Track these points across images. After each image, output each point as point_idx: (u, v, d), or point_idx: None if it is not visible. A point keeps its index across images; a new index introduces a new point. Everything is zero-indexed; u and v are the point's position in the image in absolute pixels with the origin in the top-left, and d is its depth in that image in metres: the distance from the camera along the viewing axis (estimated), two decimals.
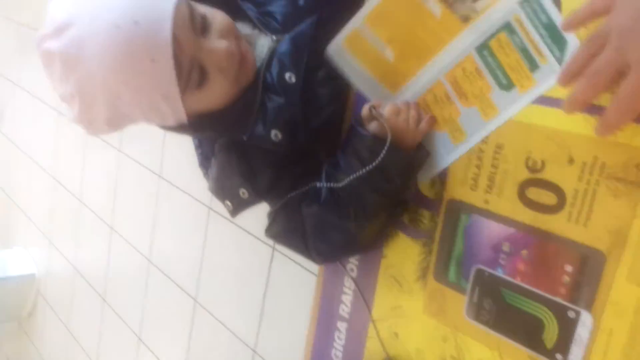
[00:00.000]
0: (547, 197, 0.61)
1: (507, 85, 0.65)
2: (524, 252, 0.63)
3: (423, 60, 0.71)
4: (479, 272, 0.67)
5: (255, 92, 0.71)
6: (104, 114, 0.67)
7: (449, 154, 0.70)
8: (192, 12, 0.66)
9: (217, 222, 1.95)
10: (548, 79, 0.61)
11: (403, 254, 0.75)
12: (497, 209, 0.65)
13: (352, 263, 0.81)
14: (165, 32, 0.62)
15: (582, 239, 0.58)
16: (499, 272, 0.65)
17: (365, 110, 0.71)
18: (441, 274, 0.71)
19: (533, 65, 0.62)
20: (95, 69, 0.62)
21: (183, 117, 0.69)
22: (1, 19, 3.20)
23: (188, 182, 2.09)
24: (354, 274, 0.81)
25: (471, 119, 0.68)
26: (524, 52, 0.63)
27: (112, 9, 0.61)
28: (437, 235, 0.71)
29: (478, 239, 0.67)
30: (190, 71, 0.66)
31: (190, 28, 0.65)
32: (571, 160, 0.59)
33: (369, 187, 0.69)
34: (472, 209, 0.67)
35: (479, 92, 0.67)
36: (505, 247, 0.64)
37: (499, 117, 0.66)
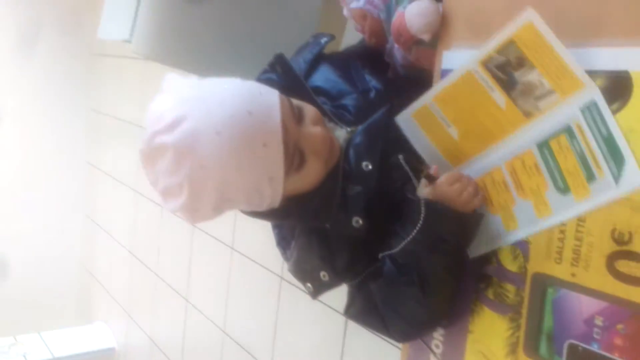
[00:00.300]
0: (639, 269, 0.60)
1: (563, 188, 0.67)
2: (620, 326, 0.61)
3: (485, 145, 0.74)
4: (573, 347, 0.65)
5: (335, 181, 0.76)
6: (211, 201, 0.71)
7: (501, 238, 0.73)
8: (290, 103, 0.73)
9: (289, 291, 1.98)
10: (603, 194, 0.63)
11: (490, 329, 0.74)
12: (586, 282, 0.64)
13: (437, 339, 0.81)
14: (275, 119, 0.68)
15: None
16: (594, 347, 0.63)
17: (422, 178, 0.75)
18: (532, 349, 0.69)
19: (590, 175, 0.64)
20: (210, 159, 0.66)
21: (278, 201, 0.74)
22: (90, 111, 3.48)
23: (260, 253, 2.14)
24: (439, 350, 0.81)
25: (525, 212, 0.71)
26: (583, 159, 0.65)
27: (224, 103, 0.67)
28: (525, 310, 0.70)
29: (568, 312, 0.66)
30: (294, 154, 0.71)
31: (291, 116, 0.72)
32: None
33: (424, 248, 0.72)
34: (559, 283, 0.67)
35: (536, 188, 0.69)
36: (599, 321, 0.63)
37: (551, 219, 0.68)
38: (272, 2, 1.32)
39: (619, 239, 0.61)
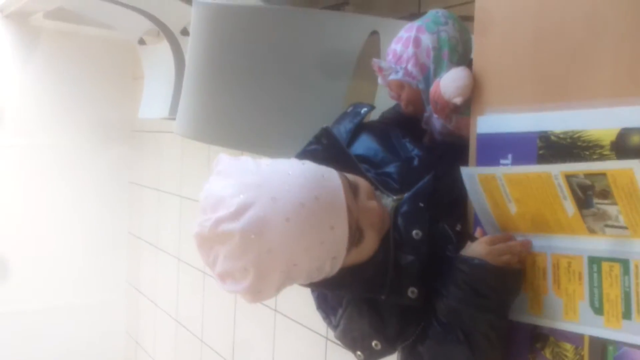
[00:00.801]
0: None
1: (598, 309, 0.69)
2: None
3: (539, 229, 0.76)
4: None
5: (387, 251, 0.77)
6: (275, 282, 0.72)
7: (522, 315, 0.76)
8: (347, 180, 0.76)
9: (335, 352, 1.96)
10: (631, 336, 0.65)
11: None
12: None
13: None
14: (341, 201, 0.71)
15: None
16: None
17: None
18: None
19: (627, 313, 0.66)
20: (278, 244, 0.68)
21: (334, 273, 0.76)
22: (130, 184, 3.62)
23: (303, 315, 2.14)
24: None
25: (553, 306, 0.73)
26: (627, 296, 0.66)
27: (292, 190, 0.69)
28: None
29: None
30: (355, 232, 0.74)
31: (351, 194, 0.74)
32: None
33: (466, 305, 0.73)
34: (619, 341, 0.66)
35: (572, 293, 0.71)
36: None
37: (574, 326, 0.71)
38: (303, 80, 1.38)
39: None
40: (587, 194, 0.68)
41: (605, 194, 0.66)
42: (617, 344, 0.66)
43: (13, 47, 3.16)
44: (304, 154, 0.82)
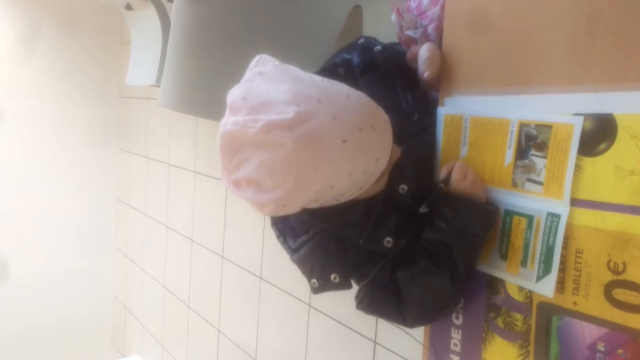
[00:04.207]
0: (634, 297, 0.64)
1: (503, 255, 0.79)
2: (620, 351, 0.66)
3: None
4: None
5: (376, 199, 0.80)
6: (306, 200, 0.71)
7: None
8: None
9: (318, 318, 2.02)
10: (523, 281, 0.76)
11: (501, 357, 0.79)
12: (587, 310, 0.69)
13: None
14: (389, 135, 0.75)
15: None
16: None
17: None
18: None
19: (524, 261, 0.76)
20: (328, 164, 0.67)
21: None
22: (119, 151, 3.63)
23: (287, 282, 2.20)
24: None
25: None
26: (526, 246, 0.76)
27: (353, 113, 0.69)
28: (532, 337, 0.75)
29: (572, 339, 0.70)
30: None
31: None
32: None
33: (456, 242, 0.79)
34: (562, 311, 0.71)
35: (492, 237, 0.81)
36: (601, 347, 0.67)
37: (485, 268, 0.82)
38: (286, 53, 1.40)
39: (614, 269, 0.66)
40: (528, 144, 0.76)
41: (542, 146, 0.74)
42: (559, 316, 0.72)
43: None
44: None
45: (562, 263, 0.71)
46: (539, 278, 0.73)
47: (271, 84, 0.68)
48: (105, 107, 3.52)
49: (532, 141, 0.75)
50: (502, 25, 0.79)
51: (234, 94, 0.69)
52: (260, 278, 2.37)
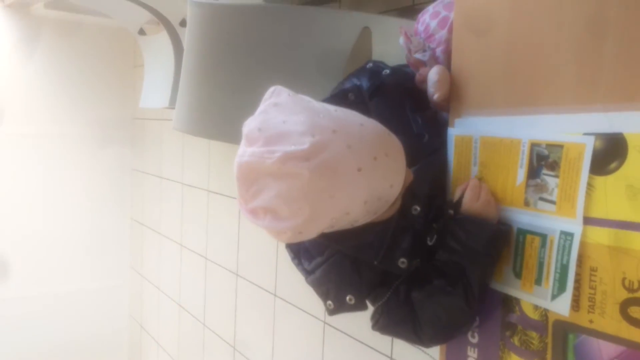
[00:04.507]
0: None
1: (518, 273, 0.80)
2: None
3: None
4: None
5: (390, 221, 0.82)
6: (322, 226, 0.73)
7: None
8: None
9: (333, 335, 2.03)
10: (538, 300, 0.77)
11: None
12: (603, 327, 0.69)
13: None
14: (402, 162, 0.76)
15: None
16: None
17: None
18: None
19: (539, 280, 0.77)
20: (344, 191, 0.69)
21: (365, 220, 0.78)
22: (133, 171, 3.67)
23: (302, 299, 2.20)
24: None
25: None
26: (540, 265, 0.76)
27: (367, 141, 0.71)
28: (549, 356, 0.75)
29: (589, 357, 0.71)
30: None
31: None
32: None
33: (469, 261, 0.79)
34: (578, 329, 0.72)
35: (502, 257, 0.81)
36: None
37: (500, 287, 0.82)
38: (297, 76, 1.42)
39: (630, 287, 0.67)
40: (539, 164, 0.76)
41: (554, 166, 0.75)
42: (575, 334, 0.72)
43: (14, 37, 3.19)
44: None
45: (577, 281, 0.72)
46: (553, 297, 0.74)
47: (286, 115, 0.70)
48: (119, 129, 3.58)
49: (543, 161, 0.76)
50: (509, 47, 0.81)
51: (249, 125, 0.71)
52: (275, 295, 2.38)
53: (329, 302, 0.85)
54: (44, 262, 3.35)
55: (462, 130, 0.87)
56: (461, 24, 0.88)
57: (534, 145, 0.77)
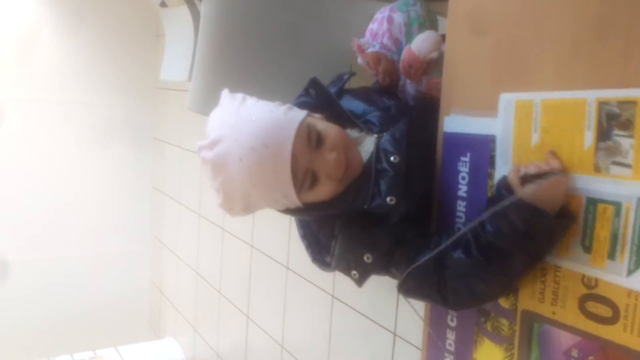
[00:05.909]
0: (604, 310, 0.70)
1: (587, 248, 0.72)
2: (591, 358, 0.72)
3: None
4: None
5: (368, 178, 0.88)
6: (240, 205, 0.88)
7: None
8: (309, 132, 0.86)
9: (341, 309, 2.10)
10: (612, 276, 0.69)
11: (489, 358, 0.86)
12: (563, 319, 0.75)
13: None
14: (286, 152, 0.83)
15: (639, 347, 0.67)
16: None
17: (514, 174, 0.76)
18: None
19: (612, 254, 0.69)
20: (234, 176, 0.83)
21: (299, 206, 0.89)
22: (153, 139, 3.77)
23: (312, 272, 2.28)
24: None
25: None
26: (614, 237, 0.69)
27: (249, 134, 0.83)
28: (516, 342, 0.82)
29: (551, 345, 0.77)
30: (304, 178, 0.86)
31: (307, 145, 0.86)
32: None
33: (520, 250, 0.76)
34: (542, 319, 0.78)
35: (573, 229, 0.74)
36: (575, 354, 0.74)
37: (567, 263, 0.75)
38: (310, 62, 1.47)
39: (588, 284, 0.72)
40: (610, 124, 0.69)
41: (627, 125, 0.67)
42: (540, 323, 0.78)
43: (42, 6, 3.28)
44: (290, 110, 0.90)
45: (543, 275, 0.78)
46: (630, 272, 0.67)
47: (215, 113, 0.91)
48: (141, 98, 3.66)
49: (614, 120, 0.68)
50: (495, 50, 0.85)
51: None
52: (287, 268, 2.46)
53: (354, 271, 0.89)
54: (69, 227, 3.50)
55: (521, 96, 0.80)
56: (453, 28, 0.92)
57: (601, 104, 0.69)
